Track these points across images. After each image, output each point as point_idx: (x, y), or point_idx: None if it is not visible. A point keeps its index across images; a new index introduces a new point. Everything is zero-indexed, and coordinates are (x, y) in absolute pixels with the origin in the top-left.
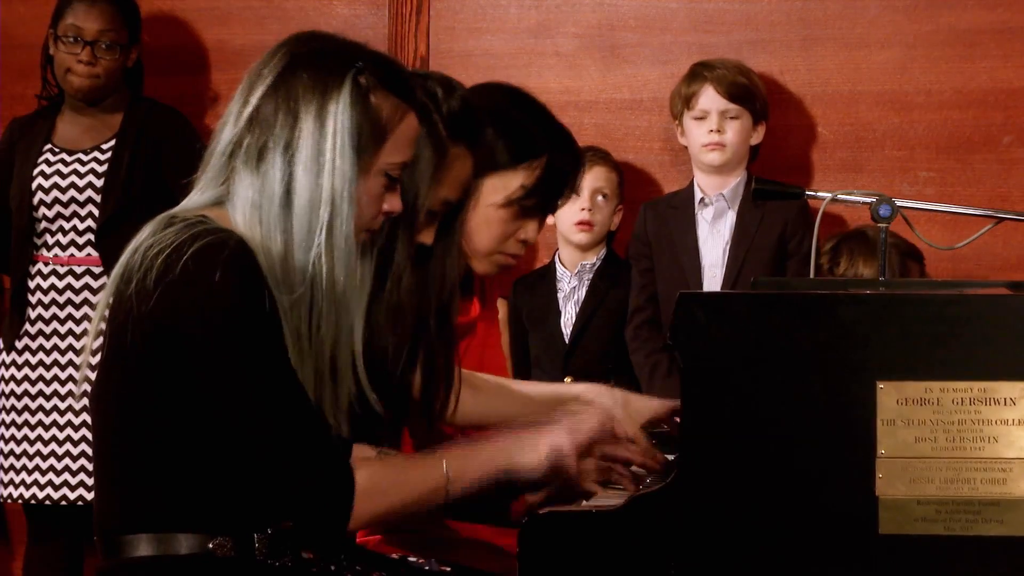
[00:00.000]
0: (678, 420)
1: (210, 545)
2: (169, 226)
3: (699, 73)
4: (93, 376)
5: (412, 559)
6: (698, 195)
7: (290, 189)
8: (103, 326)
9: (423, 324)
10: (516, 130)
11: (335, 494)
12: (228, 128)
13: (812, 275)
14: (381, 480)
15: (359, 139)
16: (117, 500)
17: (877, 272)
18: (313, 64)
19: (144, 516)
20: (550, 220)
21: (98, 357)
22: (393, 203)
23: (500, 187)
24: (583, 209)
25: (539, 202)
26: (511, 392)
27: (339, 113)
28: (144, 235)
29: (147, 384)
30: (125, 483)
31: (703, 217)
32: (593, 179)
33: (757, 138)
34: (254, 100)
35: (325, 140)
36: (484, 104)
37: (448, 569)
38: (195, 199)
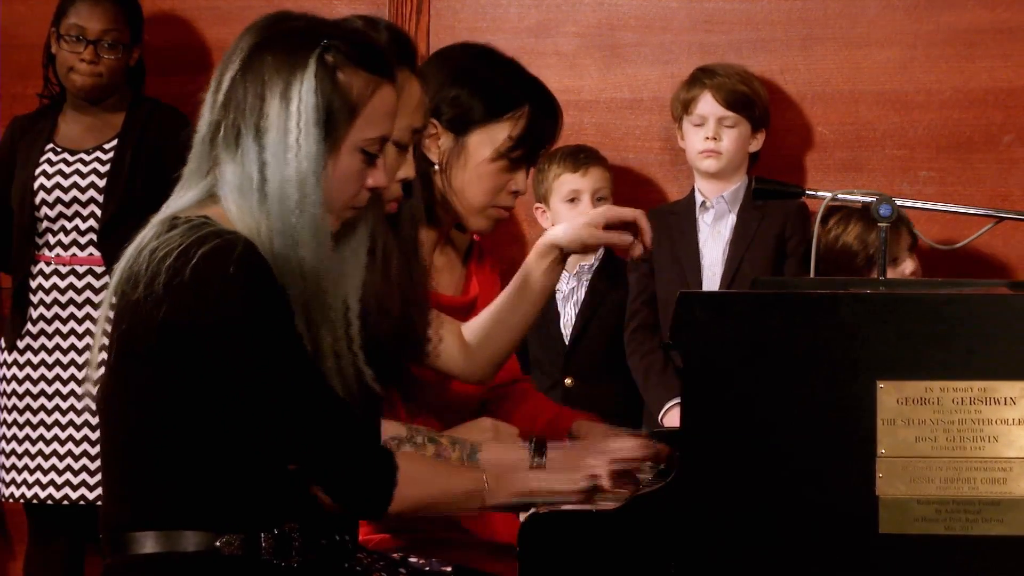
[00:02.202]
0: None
1: (217, 543)
2: (173, 228)
3: (699, 79)
4: (97, 377)
5: (413, 559)
6: (699, 199)
7: (263, 172)
8: (107, 328)
9: (396, 259)
10: (489, 85)
11: (379, 475)
12: (205, 114)
13: (812, 274)
14: (422, 470)
15: (327, 117)
16: (124, 498)
17: (866, 232)
18: (278, 44)
19: (151, 513)
20: (544, 224)
21: (100, 357)
22: (377, 178)
23: (487, 141)
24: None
25: (526, 152)
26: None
27: (303, 92)
28: (147, 237)
29: (160, 385)
30: (133, 481)
31: (704, 220)
32: (593, 181)
33: (756, 145)
34: (225, 84)
35: (290, 121)
36: (452, 66)
37: (449, 569)
38: (187, 196)
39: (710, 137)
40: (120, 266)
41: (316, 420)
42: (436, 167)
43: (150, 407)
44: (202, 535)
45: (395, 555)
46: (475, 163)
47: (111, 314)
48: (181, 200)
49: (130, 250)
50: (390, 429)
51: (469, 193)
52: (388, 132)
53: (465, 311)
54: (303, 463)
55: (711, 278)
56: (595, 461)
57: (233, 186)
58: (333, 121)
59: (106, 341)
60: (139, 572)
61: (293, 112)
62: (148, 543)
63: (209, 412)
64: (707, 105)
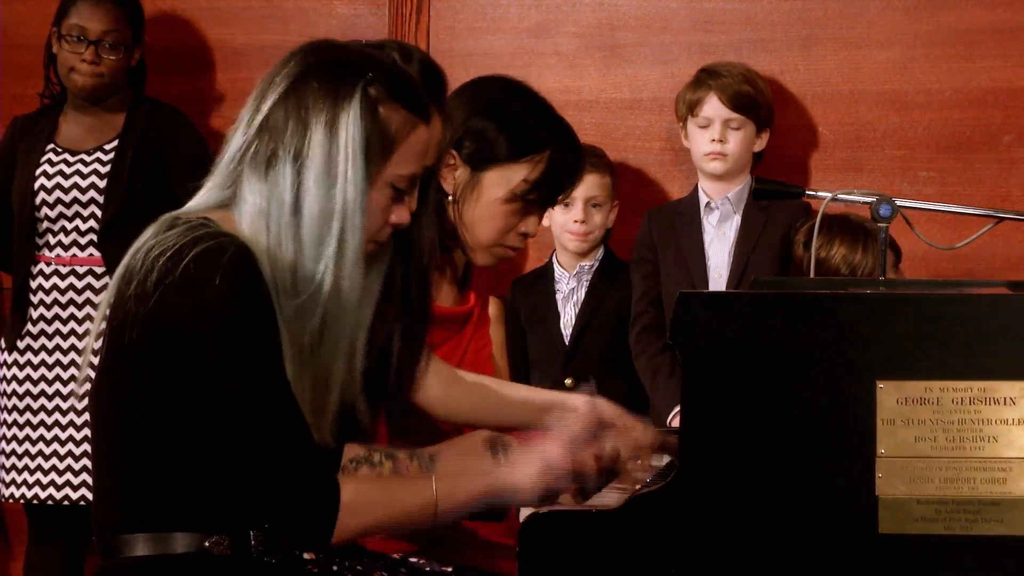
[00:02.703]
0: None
1: (206, 543)
2: (172, 228)
3: (704, 81)
4: (90, 373)
5: (413, 559)
6: (703, 200)
7: (299, 198)
8: (104, 326)
9: (399, 290)
10: (517, 124)
11: (319, 506)
12: (239, 134)
13: (812, 274)
14: (367, 496)
15: (368, 150)
16: (114, 500)
17: (851, 253)
18: (324, 73)
19: (141, 516)
20: (545, 221)
21: (98, 357)
22: (401, 215)
23: (502, 181)
24: (577, 220)
25: (541, 196)
26: (493, 392)
27: (350, 124)
28: (147, 236)
29: (144, 384)
30: (122, 483)
31: (708, 221)
32: (585, 189)
33: (760, 145)
34: (265, 107)
35: (337, 150)
36: (484, 98)
37: (449, 569)
38: (200, 200)
39: (716, 140)
40: (120, 266)
41: (264, 446)
42: (449, 198)
43: (136, 406)
44: (192, 536)
45: (395, 555)
46: (487, 200)
47: (107, 312)
48: (192, 205)
49: (131, 250)
50: (349, 452)
51: (478, 229)
52: (418, 171)
53: (462, 321)
54: (248, 483)
55: (717, 280)
56: (551, 452)
57: (254, 204)
58: (372, 155)
59: (101, 341)
60: (132, 575)
61: (340, 142)
62: (139, 546)
63: (189, 412)
64: (712, 107)
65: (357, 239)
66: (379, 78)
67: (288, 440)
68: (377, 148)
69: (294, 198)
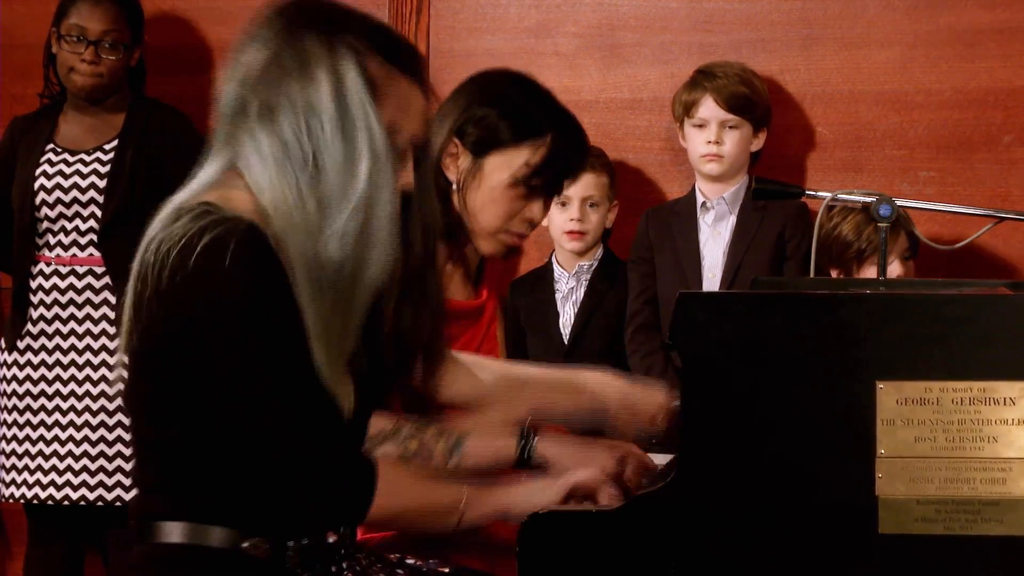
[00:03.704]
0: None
1: (244, 544)
2: (177, 219)
3: (699, 82)
4: (118, 373)
5: (410, 560)
6: (699, 199)
7: (318, 148)
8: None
9: (409, 273)
10: (518, 109)
11: (358, 483)
12: (230, 94)
13: (812, 275)
14: (402, 480)
15: (375, 96)
16: (154, 487)
17: (864, 223)
18: (316, 25)
19: (180, 504)
20: (544, 221)
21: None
22: (406, 177)
23: (504, 165)
24: (573, 219)
25: (544, 182)
26: (512, 374)
27: (351, 72)
28: (155, 229)
29: (176, 380)
30: (162, 472)
31: (704, 220)
32: (582, 188)
33: (757, 145)
34: (258, 65)
35: (348, 99)
36: (487, 87)
37: (447, 570)
38: (202, 178)
39: (712, 141)
40: (135, 262)
41: (294, 433)
42: (454, 186)
43: (170, 401)
44: (228, 532)
45: (393, 556)
46: (490, 185)
47: (131, 312)
48: (194, 184)
49: (142, 245)
50: (376, 423)
51: (483, 215)
52: (415, 131)
53: (476, 315)
54: (283, 466)
55: (711, 279)
56: (581, 472)
57: (269, 157)
58: (378, 102)
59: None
60: (165, 561)
61: (350, 90)
62: (176, 533)
63: (218, 407)
64: (708, 109)
65: (389, 178)
66: (368, 29)
67: (316, 423)
68: (379, 96)
69: (312, 149)
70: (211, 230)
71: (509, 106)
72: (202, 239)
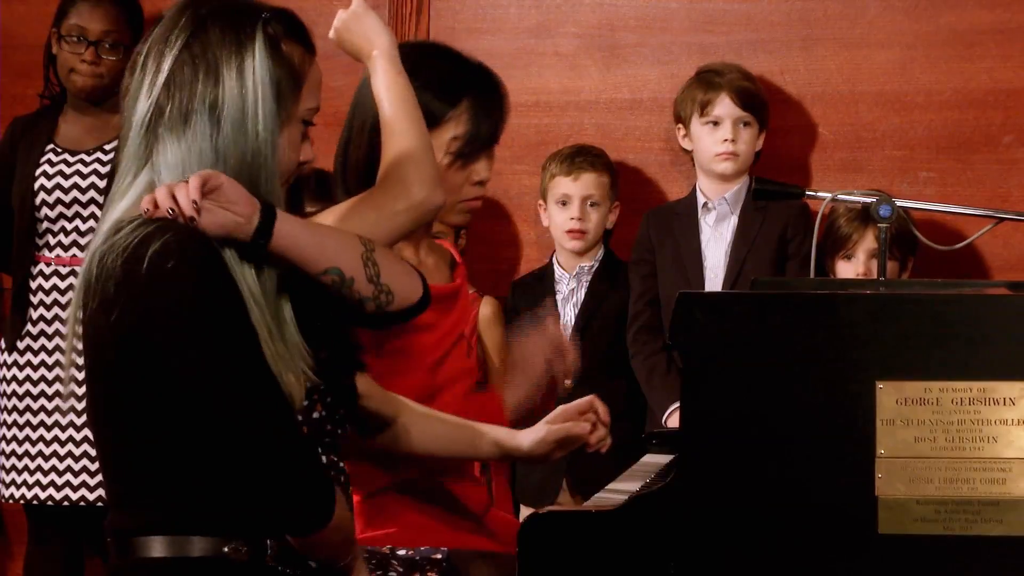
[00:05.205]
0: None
1: (224, 549)
2: (118, 232)
3: (712, 80)
4: (75, 389)
5: (402, 552)
6: (701, 200)
7: (218, 147)
8: (76, 343)
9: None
10: (434, 81)
11: (318, 499)
12: (142, 100)
13: (812, 275)
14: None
15: (279, 89)
16: (129, 503)
17: (857, 228)
18: (222, 20)
19: (157, 518)
20: (544, 221)
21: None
22: (307, 151)
23: (438, 146)
24: (573, 218)
25: (476, 144)
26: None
27: (257, 65)
28: (97, 243)
29: (135, 393)
30: (136, 487)
31: (706, 221)
32: (582, 187)
33: (759, 145)
34: (166, 66)
35: (247, 93)
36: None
37: (439, 556)
38: (128, 192)
39: (728, 139)
40: (80, 279)
41: (268, 417)
42: None
43: (133, 414)
44: (209, 540)
45: (384, 549)
46: None
47: (78, 328)
48: (123, 201)
49: (85, 261)
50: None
51: None
52: (318, 105)
53: (452, 298)
54: (257, 462)
55: (713, 280)
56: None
57: (175, 164)
58: (284, 93)
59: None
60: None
61: (250, 85)
62: (155, 547)
63: (180, 410)
64: (724, 107)
65: (272, 181)
66: (274, 17)
67: (282, 414)
68: (288, 85)
69: (212, 147)
70: (156, 237)
71: (426, 79)
72: (148, 249)
